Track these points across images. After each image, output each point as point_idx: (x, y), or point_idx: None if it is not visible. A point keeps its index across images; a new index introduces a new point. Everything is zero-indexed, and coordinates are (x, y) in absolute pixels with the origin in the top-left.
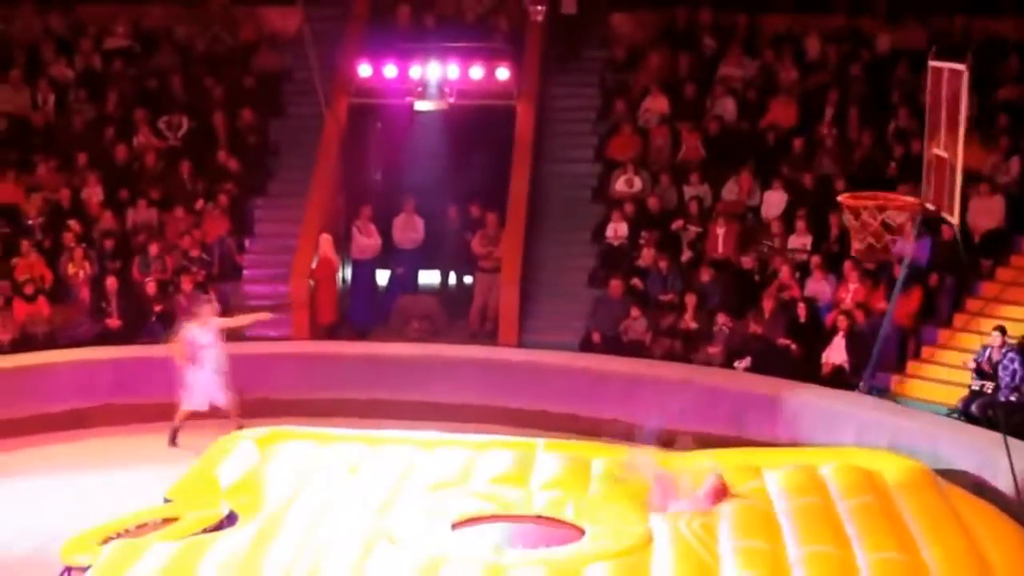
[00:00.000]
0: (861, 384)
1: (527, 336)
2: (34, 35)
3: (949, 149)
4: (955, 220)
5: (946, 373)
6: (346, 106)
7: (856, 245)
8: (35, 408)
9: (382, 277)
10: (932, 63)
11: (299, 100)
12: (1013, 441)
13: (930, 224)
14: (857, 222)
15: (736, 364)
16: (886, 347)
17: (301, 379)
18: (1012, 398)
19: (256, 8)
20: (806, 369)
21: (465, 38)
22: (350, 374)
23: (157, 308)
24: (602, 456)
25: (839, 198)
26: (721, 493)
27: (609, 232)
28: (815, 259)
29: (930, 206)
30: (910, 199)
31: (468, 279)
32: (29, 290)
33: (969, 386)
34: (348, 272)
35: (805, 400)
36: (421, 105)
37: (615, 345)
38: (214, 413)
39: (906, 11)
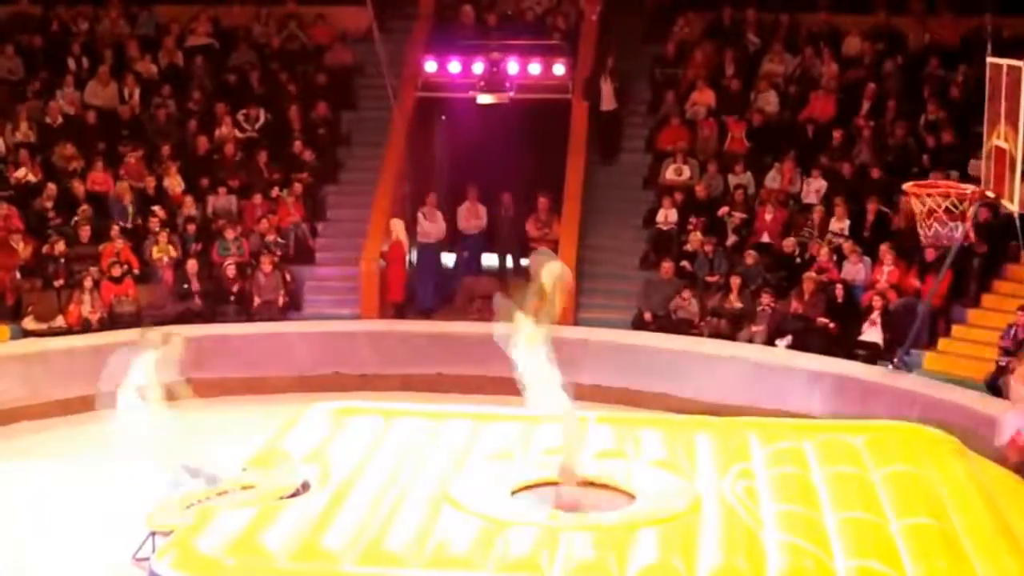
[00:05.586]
0: (895, 360)
1: (583, 315)
2: (120, 34)
3: (1010, 140)
4: (1015, 207)
5: (975, 350)
6: (413, 100)
7: (924, 232)
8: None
9: (448, 260)
10: (991, 60)
11: (369, 94)
12: None
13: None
14: (924, 208)
15: (777, 342)
16: (920, 325)
17: (370, 356)
18: None
19: (328, 8)
20: (843, 346)
21: (525, 36)
22: (416, 351)
23: (235, 288)
24: (651, 427)
25: (905, 187)
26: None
27: (659, 218)
28: (851, 243)
29: (990, 193)
30: (970, 187)
31: (524, 261)
32: (116, 272)
33: (996, 362)
34: (414, 255)
35: (842, 375)
36: (483, 99)
37: (665, 323)
38: None
39: (939, 10)
